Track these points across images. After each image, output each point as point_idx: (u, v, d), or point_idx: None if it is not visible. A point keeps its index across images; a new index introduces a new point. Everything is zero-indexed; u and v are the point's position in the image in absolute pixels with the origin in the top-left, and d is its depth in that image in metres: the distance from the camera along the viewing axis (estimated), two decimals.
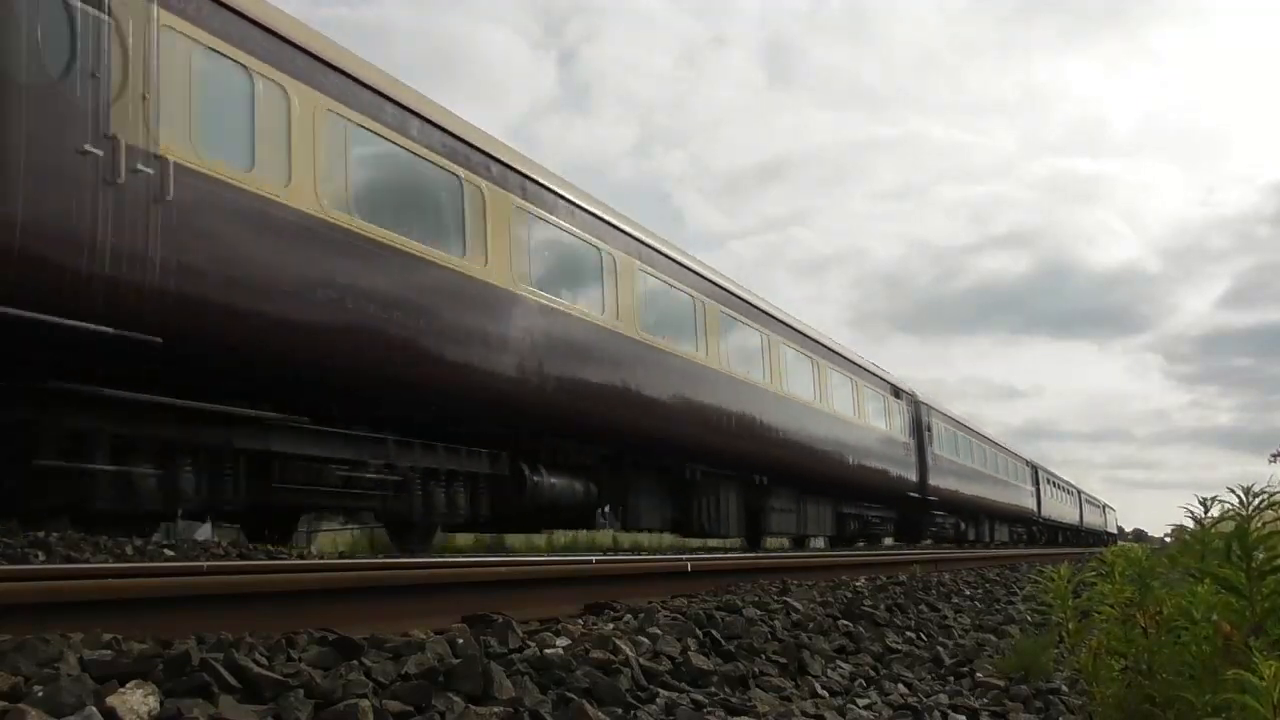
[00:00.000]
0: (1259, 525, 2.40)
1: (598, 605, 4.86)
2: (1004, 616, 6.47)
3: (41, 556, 5.55)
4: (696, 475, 14.26)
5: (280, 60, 7.81)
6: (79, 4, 6.29)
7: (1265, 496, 2.44)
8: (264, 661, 2.59)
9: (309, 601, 3.65)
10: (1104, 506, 65.57)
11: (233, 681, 2.35)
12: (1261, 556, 2.35)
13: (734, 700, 2.98)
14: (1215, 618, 2.39)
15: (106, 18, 6.45)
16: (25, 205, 5.86)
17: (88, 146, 6.21)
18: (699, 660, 3.39)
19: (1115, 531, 64.13)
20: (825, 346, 19.41)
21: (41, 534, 6.23)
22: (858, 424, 20.44)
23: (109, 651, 2.53)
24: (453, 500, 9.90)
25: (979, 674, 3.93)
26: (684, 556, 8.35)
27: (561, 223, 11.25)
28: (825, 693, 3.37)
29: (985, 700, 3.45)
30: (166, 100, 6.77)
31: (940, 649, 4.58)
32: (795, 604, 5.19)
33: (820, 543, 20.95)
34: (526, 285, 10.32)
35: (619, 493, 12.77)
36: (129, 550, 6.29)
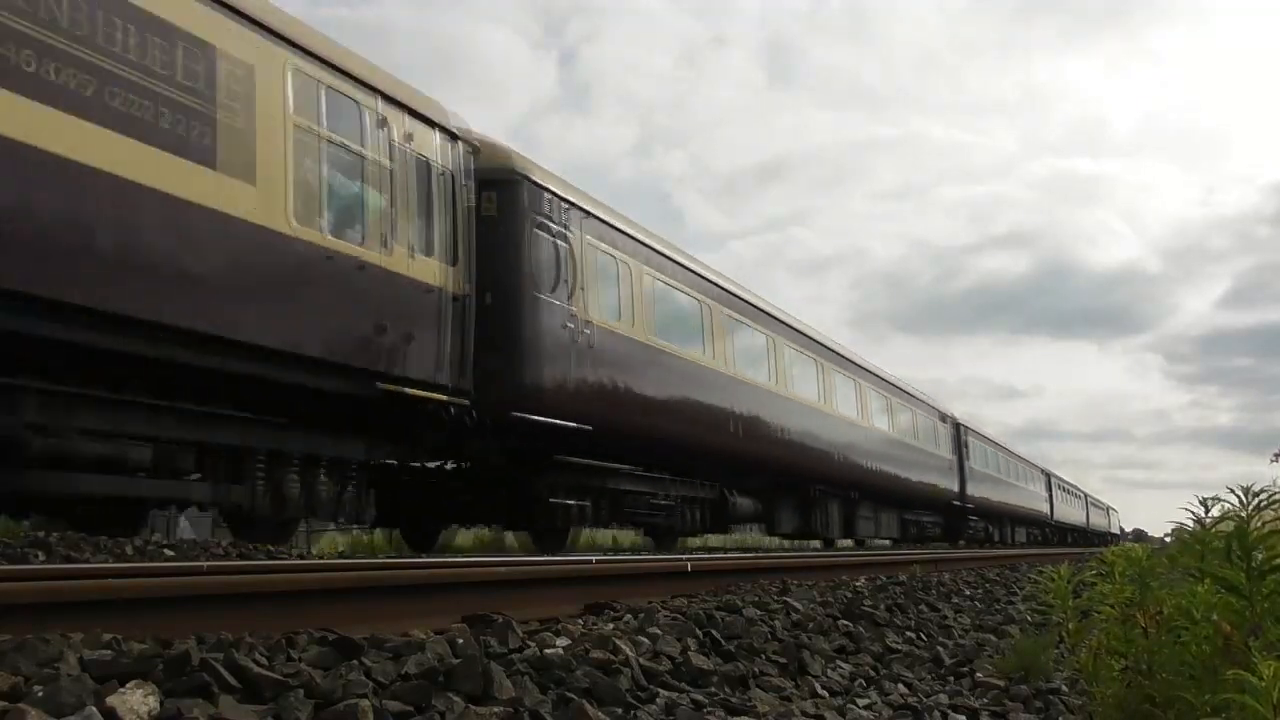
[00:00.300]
0: (1259, 525, 2.40)
1: (598, 605, 4.86)
2: (1004, 616, 6.47)
3: (41, 556, 5.55)
4: (815, 493, 19.96)
5: (626, 247, 13.22)
6: (562, 242, 11.54)
7: (1265, 496, 2.44)
8: (264, 661, 2.59)
9: (309, 601, 3.65)
10: (1107, 509, 70.86)
11: (233, 681, 2.35)
12: (1261, 556, 2.35)
13: (734, 700, 2.98)
14: (1215, 618, 2.39)
15: (566, 245, 11.64)
16: (546, 361, 11.14)
17: (566, 324, 11.47)
18: (699, 660, 3.39)
19: (1118, 532, 67.16)
20: (896, 386, 25.00)
21: (41, 534, 6.24)
22: (918, 447, 25.79)
23: (109, 651, 2.53)
24: (692, 515, 15.96)
25: (979, 674, 3.93)
26: (684, 556, 8.35)
27: (759, 330, 17.47)
28: (825, 693, 3.37)
29: (985, 700, 3.45)
30: (589, 288, 12.01)
31: (940, 649, 4.58)
32: (795, 604, 5.19)
33: (886, 542, 25.58)
34: (742, 374, 16.31)
35: (773, 507, 18.65)
36: (129, 550, 6.29)
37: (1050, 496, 44.86)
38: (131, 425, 7.25)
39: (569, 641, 3.37)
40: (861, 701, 3.25)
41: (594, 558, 7.37)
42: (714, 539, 20.25)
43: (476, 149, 10.51)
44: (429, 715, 2.38)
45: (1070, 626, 3.00)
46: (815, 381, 19.48)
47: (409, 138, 9.39)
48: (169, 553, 6.53)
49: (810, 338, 19.69)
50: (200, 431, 7.77)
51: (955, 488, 28.53)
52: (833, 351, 20.78)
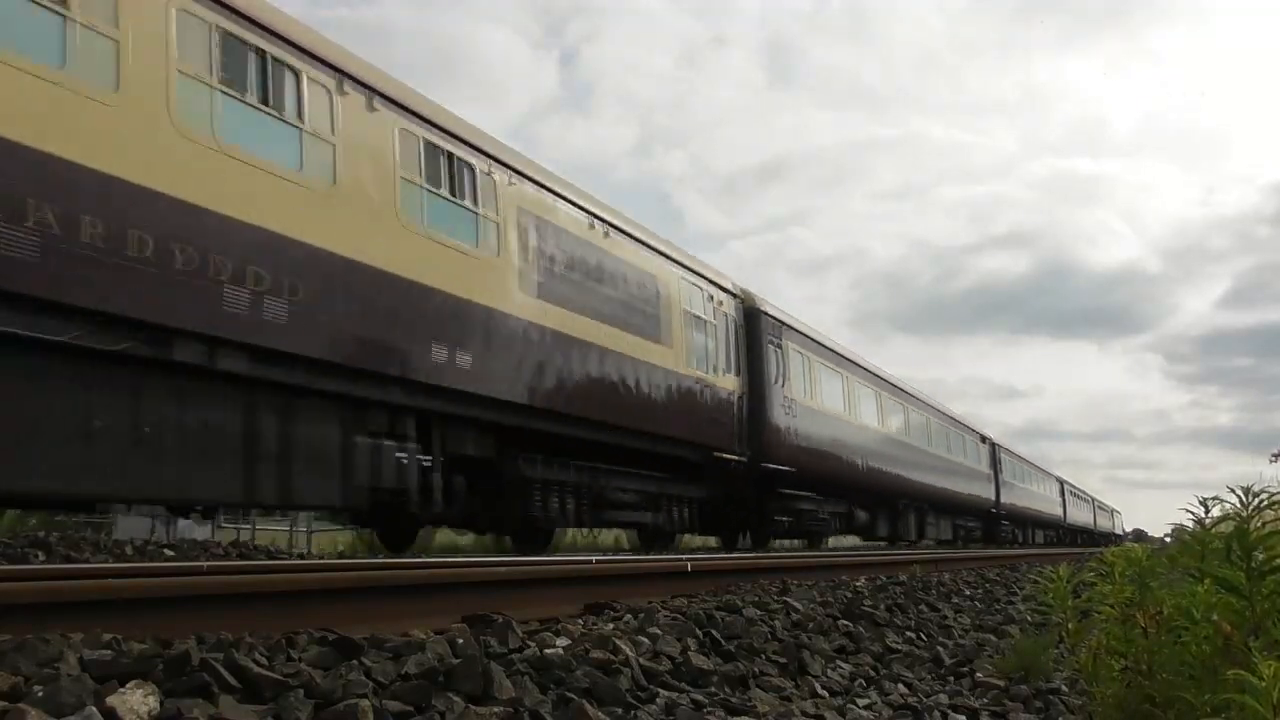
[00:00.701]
0: (1259, 525, 2.40)
1: (598, 605, 4.86)
2: (1004, 616, 6.47)
3: (41, 556, 5.55)
4: (900, 506, 25.45)
5: (808, 345, 19.34)
6: (772, 346, 17.00)
7: (1265, 496, 2.43)
8: (264, 661, 2.59)
9: (309, 601, 3.66)
10: (1112, 511, 76.44)
11: (233, 681, 2.35)
12: (1261, 556, 2.35)
13: (734, 700, 2.98)
14: (1215, 618, 2.39)
15: (774, 347, 17.13)
16: (774, 442, 16.82)
17: (783, 404, 17.18)
18: (699, 660, 3.39)
19: (1122, 533, 71.34)
20: (952, 417, 30.88)
21: (41, 534, 6.24)
22: (967, 466, 31.45)
23: (109, 651, 2.53)
24: (834, 524, 21.50)
25: (979, 674, 3.93)
26: (684, 556, 8.35)
27: (869, 386, 23.11)
28: (825, 693, 3.37)
29: (985, 700, 3.45)
30: (790, 375, 17.72)
31: (940, 649, 4.58)
32: (795, 604, 5.19)
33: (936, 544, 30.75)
34: (863, 422, 22.03)
35: (875, 517, 23.83)
36: (129, 550, 6.29)
37: (1063, 502, 50.08)
38: (615, 482, 13.21)
39: (569, 641, 3.38)
40: (861, 701, 3.25)
41: (594, 558, 7.37)
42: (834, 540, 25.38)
43: (740, 297, 16.76)
44: (429, 715, 2.38)
45: (1070, 626, 3.00)
46: (902, 420, 25.58)
47: (720, 303, 15.84)
48: (169, 553, 6.54)
49: (899, 387, 25.66)
50: (639, 483, 13.82)
51: (992, 497, 34.25)
52: (912, 396, 26.81)
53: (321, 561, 6.15)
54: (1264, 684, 1.87)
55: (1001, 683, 3.71)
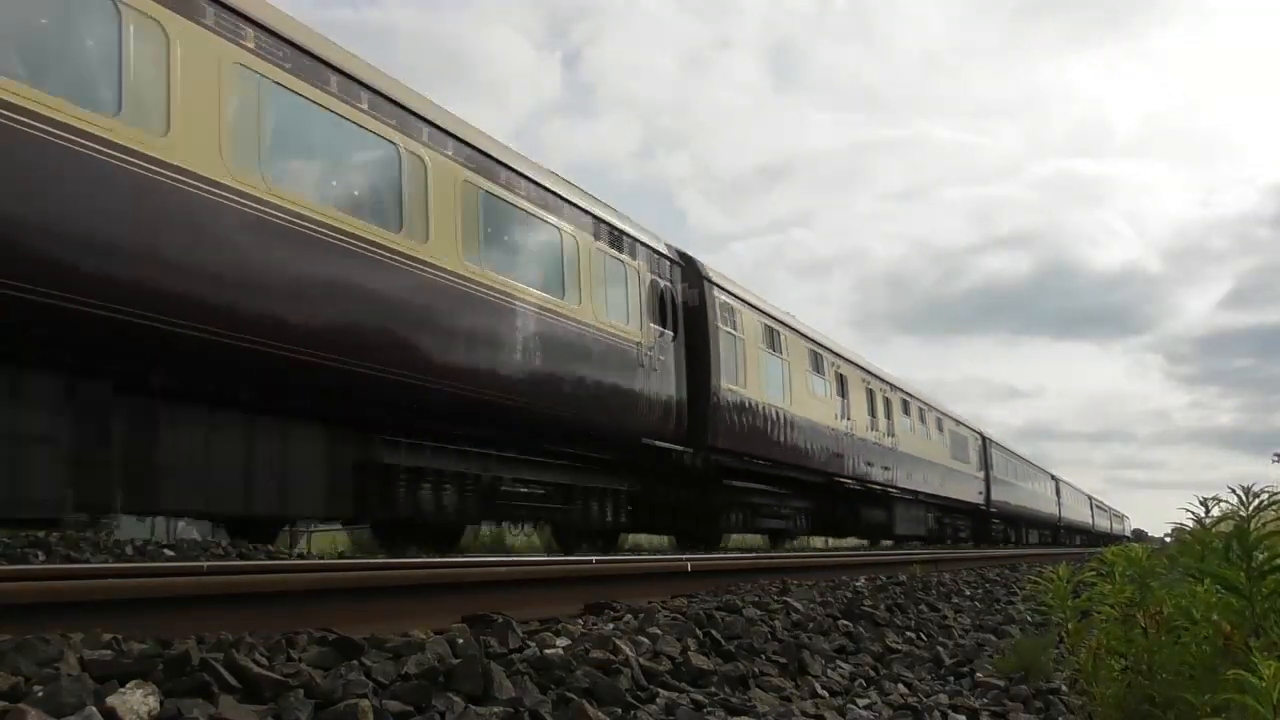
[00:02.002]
0: (1259, 525, 2.40)
1: (598, 605, 4.86)
2: (1004, 616, 6.47)
3: (41, 556, 5.55)
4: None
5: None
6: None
7: (1265, 496, 2.43)
8: (264, 661, 2.59)
9: (309, 601, 3.66)
10: (1117, 515, 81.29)
11: (233, 681, 2.35)
12: (1261, 556, 2.35)
13: (734, 700, 2.98)
14: (1215, 618, 2.39)
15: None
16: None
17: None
18: (699, 660, 3.39)
19: (1129, 535, 72.40)
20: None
21: (41, 534, 6.24)
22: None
23: (109, 651, 2.53)
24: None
25: (979, 674, 3.93)
26: (684, 556, 8.35)
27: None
28: (825, 693, 3.37)
29: (985, 700, 3.45)
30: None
31: (940, 649, 4.58)
32: (795, 604, 5.19)
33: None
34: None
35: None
36: (129, 550, 6.29)
37: (1058, 499, 51.21)
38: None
39: (569, 641, 3.37)
40: (861, 701, 3.25)
41: (594, 558, 7.37)
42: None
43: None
44: (429, 715, 2.38)
45: (1070, 626, 2.99)
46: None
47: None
48: (169, 553, 6.53)
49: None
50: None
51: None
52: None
53: (321, 561, 6.14)
54: (1264, 684, 1.86)
55: (1001, 683, 3.70)
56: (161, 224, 6.58)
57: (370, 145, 8.73)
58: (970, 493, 30.81)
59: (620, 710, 2.66)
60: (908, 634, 4.99)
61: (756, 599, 5.46)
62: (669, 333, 13.32)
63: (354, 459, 8.83)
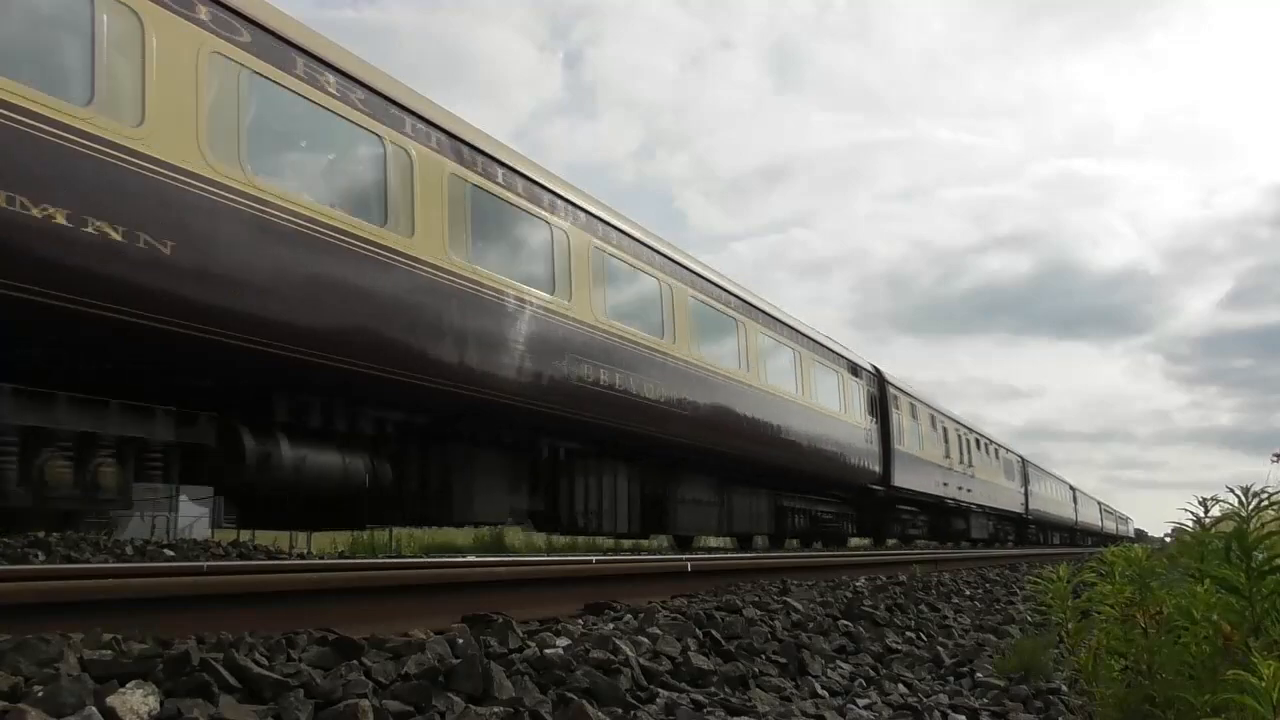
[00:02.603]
0: (1258, 525, 2.40)
1: (598, 605, 4.86)
2: (1004, 616, 6.47)
3: (41, 556, 5.55)
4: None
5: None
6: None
7: (1265, 496, 2.43)
8: (264, 661, 2.59)
9: (309, 601, 3.66)
10: (1122, 517, 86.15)
11: (233, 681, 2.35)
12: (1261, 557, 2.35)
13: (734, 700, 2.98)
14: (1215, 618, 2.39)
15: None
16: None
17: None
18: (699, 660, 3.39)
19: (1132, 535, 77.65)
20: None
21: (41, 534, 6.24)
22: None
23: (109, 651, 2.53)
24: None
25: (979, 674, 3.93)
26: (684, 556, 8.35)
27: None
28: (825, 693, 3.37)
29: (985, 700, 3.45)
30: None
31: (940, 649, 4.58)
32: (795, 604, 5.19)
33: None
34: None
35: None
36: (129, 550, 6.29)
37: (1075, 506, 58.01)
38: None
39: (569, 641, 3.37)
40: (861, 701, 3.25)
41: (594, 558, 7.37)
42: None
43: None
44: (429, 715, 2.38)
45: (1070, 626, 2.99)
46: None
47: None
48: (169, 553, 6.53)
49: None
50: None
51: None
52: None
53: (321, 561, 6.14)
54: (1264, 684, 1.86)
55: (1001, 683, 3.70)
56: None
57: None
58: (1015, 504, 37.91)
59: (620, 710, 2.66)
60: (908, 634, 4.99)
61: (756, 599, 5.46)
62: (874, 418, 21.18)
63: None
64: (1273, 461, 2.78)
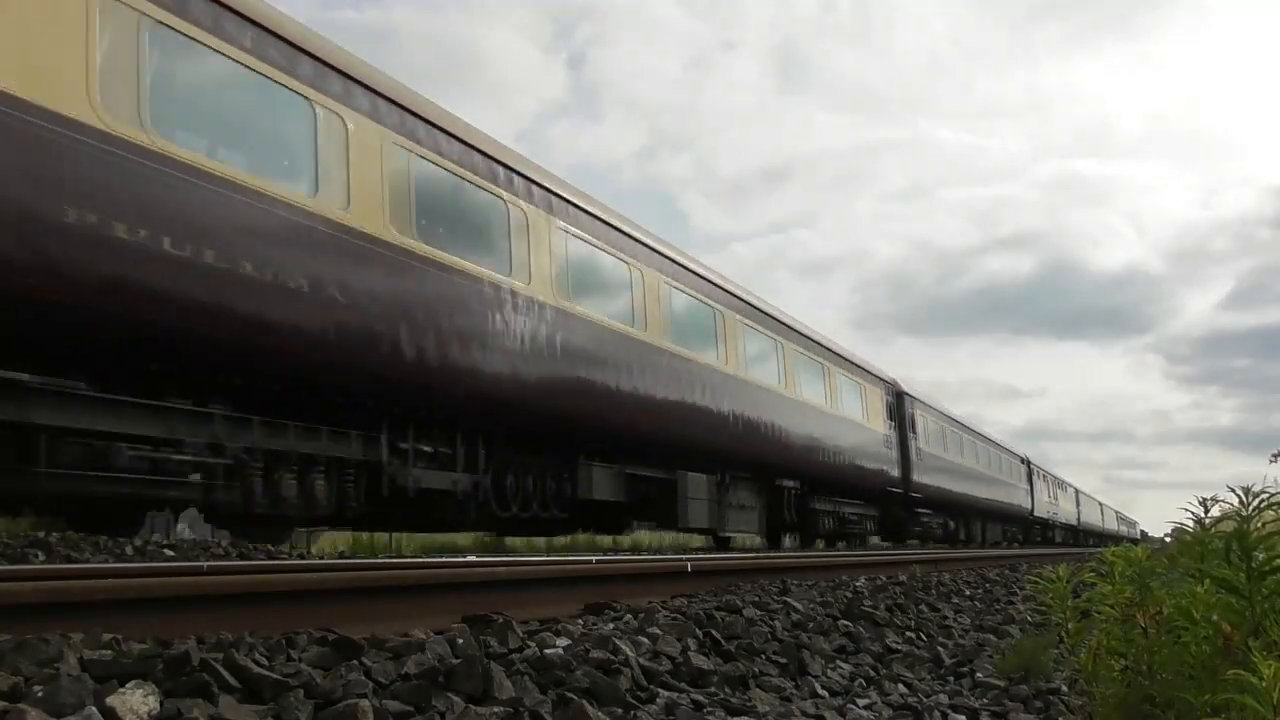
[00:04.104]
0: (1259, 526, 2.40)
1: (598, 605, 4.86)
2: (1004, 616, 6.46)
3: (41, 556, 5.55)
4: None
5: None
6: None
7: (1265, 497, 2.43)
8: (264, 661, 2.59)
9: (309, 601, 3.65)
10: (1130, 521, 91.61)
11: (233, 681, 2.35)
12: (1261, 557, 2.35)
13: (734, 700, 2.98)
14: (1215, 618, 2.39)
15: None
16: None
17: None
18: (699, 660, 3.39)
19: (1139, 537, 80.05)
20: (1063, 480, 48.23)
21: (41, 534, 6.24)
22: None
23: (109, 651, 2.53)
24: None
25: (979, 674, 3.93)
26: (684, 556, 8.35)
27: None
28: (825, 693, 3.37)
29: (985, 700, 3.45)
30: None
31: (940, 649, 4.58)
32: (795, 604, 5.19)
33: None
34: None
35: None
36: (129, 550, 6.29)
37: (1077, 510, 62.25)
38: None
39: (569, 641, 3.37)
40: (861, 701, 3.25)
41: (594, 558, 7.36)
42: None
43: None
44: (429, 715, 2.38)
45: (1070, 626, 2.99)
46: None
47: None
48: (169, 553, 6.53)
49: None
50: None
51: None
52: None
53: (321, 561, 6.14)
54: (1264, 684, 1.86)
55: (1001, 683, 3.70)
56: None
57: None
58: (1070, 518, 48.27)
59: (620, 710, 2.66)
60: (908, 634, 4.99)
61: (756, 599, 5.46)
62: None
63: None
64: (1271, 461, 2.77)
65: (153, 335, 6.71)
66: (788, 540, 20.07)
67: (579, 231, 11.40)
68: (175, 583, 3.41)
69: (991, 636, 5.28)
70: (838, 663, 3.92)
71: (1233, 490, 2.47)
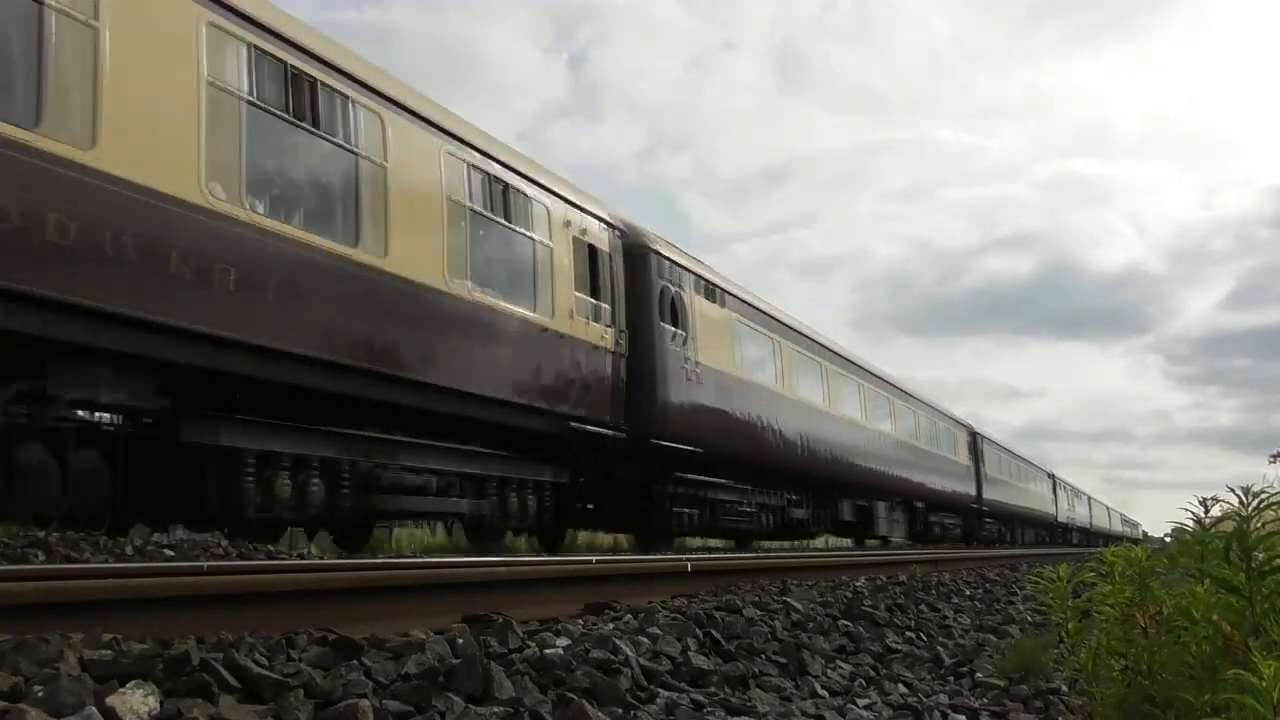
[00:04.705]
0: (1258, 526, 2.40)
1: (598, 605, 4.86)
2: (1004, 616, 6.46)
3: (41, 556, 5.54)
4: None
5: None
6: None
7: (1265, 497, 2.43)
8: (264, 661, 2.59)
9: (309, 601, 3.65)
10: (1134, 523, 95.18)
11: (233, 681, 2.35)
12: (1261, 557, 2.35)
13: (734, 700, 2.98)
14: (1215, 618, 2.39)
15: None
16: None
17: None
18: (699, 660, 3.39)
19: (1140, 537, 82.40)
20: (1094, 496, 64.26)
21: (41, 534, 6.23)
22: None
23: (109, 651, 2.53)
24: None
25: (979, 674, 3.93)
26: (684, 556, 8.35)
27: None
28: (825, 693, 3.37)
29: (985, 700, 3.45)
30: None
31: (940, 649, 4.58)
32: (795, 604, 5.19)
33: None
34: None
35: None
36: (129, 550, 6.28)
37: (1091, 515, 69.51)
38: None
39: (569, 641, 3.37)
40: (861, 701, 3.25)
41: (594, 558, 7.37)
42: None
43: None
44: (429, 715, 2.38)
45: (1070, 626, 2.99)
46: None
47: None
48: (169, 553, 6.52)
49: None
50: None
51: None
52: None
53: (321, 561, 6.14)
54: (1264, 684, 1.86)
55: (1001, 683, 3.70)
56: None
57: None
58: (1085, 521, 53.23)
59: (620, 710, 2.66)
60: (908, 634, 4.98)
61: (756, 599, 5.46)
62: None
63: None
64: (1271, 462, 2.77)
65: None
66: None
67: (822, 360, 21.07)
68: (175, 583, 3.41)
69: (991, 636, 5.28)
70: (838, 663, 3.92)
71: (1232, 490, 2.48)
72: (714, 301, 15.60)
